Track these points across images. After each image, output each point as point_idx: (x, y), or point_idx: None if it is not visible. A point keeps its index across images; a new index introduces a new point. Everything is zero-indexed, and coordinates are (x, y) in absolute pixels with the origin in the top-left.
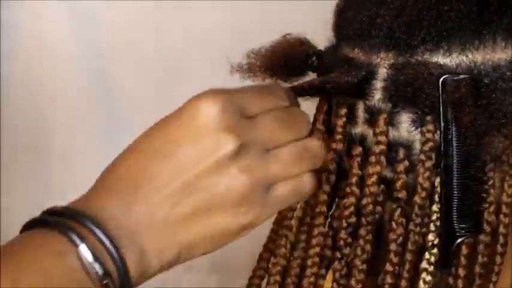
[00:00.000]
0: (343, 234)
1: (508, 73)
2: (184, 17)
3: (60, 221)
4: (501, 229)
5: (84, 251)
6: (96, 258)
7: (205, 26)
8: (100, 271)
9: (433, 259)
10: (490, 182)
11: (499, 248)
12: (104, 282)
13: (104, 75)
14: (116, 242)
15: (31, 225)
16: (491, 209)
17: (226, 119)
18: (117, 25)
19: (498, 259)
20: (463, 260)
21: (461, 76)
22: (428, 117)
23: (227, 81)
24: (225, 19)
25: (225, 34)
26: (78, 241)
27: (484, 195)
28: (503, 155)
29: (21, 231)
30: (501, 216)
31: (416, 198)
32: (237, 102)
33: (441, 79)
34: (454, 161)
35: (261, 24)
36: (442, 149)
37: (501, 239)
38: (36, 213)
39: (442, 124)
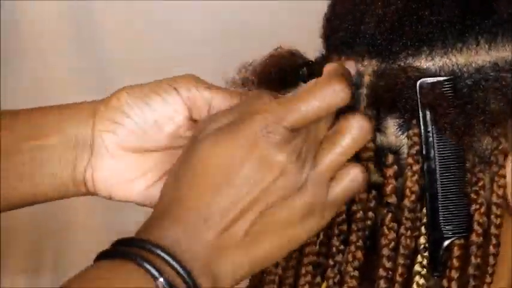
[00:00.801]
0: (335, 241)
1: (492, 74)
2: (184, 18)
3: (135, 253)
4: (493, 230)
5: (162, 285)
6: None
7: (205, 27)
8: None
9: (425, 262)
10: (480, 183)
11: (492, 249)
12: None
13: (104, 75)
14: (193, 274)
15: (103, 255)
16: (482, 210)
17: (279, 139)
18: (117, 25)
19: (491, 260)
20: (455, 262)
21: (438, 78)
22: (414, 121)
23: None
24: (225, 21)
25: (226, 36)
26: (157, 275)
27: (474, 196)
28: (492, 155)
29: (95, 261)
30: (492, 217)
31: (406, 202)
32: (284, 118)
33: (418, 82)
34: (436, 163)
35: (255, 30)
36: (423, 151)
37: (493, 240)
38: (37, 211)
39: (422, 127)
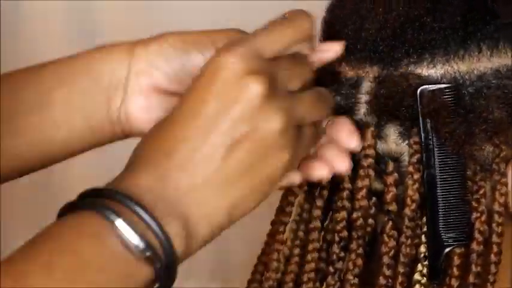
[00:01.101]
0: (335, 248)
1: (493, 81)
2: (186, 17)
3: (93, 201)
4: (494, 238)
5: (121, 226)
6: (135, 231)
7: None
8: (141, 245)
9: (425, 271)
10: (481, 191)
11: (493, 258)
12: (146, 255)
13: None
14: (156, 214)
15: (65, 211)
16: (483, 218)
17: (247, 63)
18: (116, 25)
19: (492, 268)
20: (455, 270)
21: (438, 86)
22: (415, 129)
23: None
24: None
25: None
26: (113, 217)
27: (475, 204)
28: (493, 163)
29: (58, 217)
30: (493, 225)
31: (407, 211)
32: (254, 46)
33: (418, 90)
34: (437, 171)
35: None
36: (423, 159)
37: (494, 248)
38: (37, 211)
39: (422, 135)
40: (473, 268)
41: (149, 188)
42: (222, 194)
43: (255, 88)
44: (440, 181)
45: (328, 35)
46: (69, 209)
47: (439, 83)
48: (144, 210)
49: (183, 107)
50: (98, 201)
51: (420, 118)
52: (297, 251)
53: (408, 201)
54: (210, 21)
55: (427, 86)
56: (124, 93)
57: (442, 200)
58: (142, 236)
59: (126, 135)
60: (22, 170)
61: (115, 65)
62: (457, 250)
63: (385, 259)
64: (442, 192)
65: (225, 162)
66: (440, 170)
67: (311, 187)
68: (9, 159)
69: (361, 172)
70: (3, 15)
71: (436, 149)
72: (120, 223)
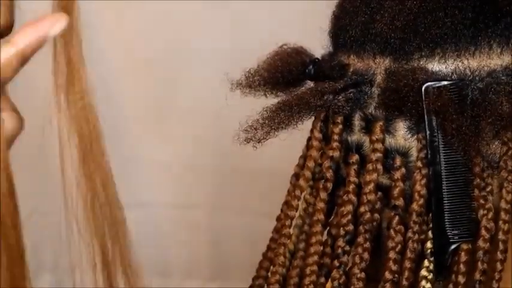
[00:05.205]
0: (340, 242)
1: (503, 77)
2: (186, 19)
3: None
4: (500, 236)
5: None
6: None
7: (206, 29)
8: None
9: (432, 266)
10: (488, 188)
11: (499, 255)
12: None
13: (103, 77)
14: None
15: None
16: (490, 215)
17: None
18: (115, 26)
19: (498, 266)
20: (462, 267)
21: (443, 83)
22: (423, 124)
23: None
24: (225, 22)
25: (227, 35)
26: None
27: (482, 201)
28: (501, 160)
29: None
30: (500, 222)
31: (414, 206)
32: None
33: (423, 87)
34: (442, 167)
35: (259, 28)
36: (428, 156)
37: (501, 246)
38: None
39: (428, 132)
40: (479, 265)
41: None
42: None
43: None
44: (446, 178)
45: (338, 27)
46: None
47: (447, 79)
48: None
49: None
50: None
51: (425, 115)
52: (302, 245)
53: (416, 196)
54: (211, 21)
55: (432, 83)
56: None
57: (448, 197)
58: None
59: None
60: None
61: None
62: (464, 246)
63: (392, 254)
64: (448, 188)
65: None
66: (446, 166)
67: (316, 180)
68: None
69: (369, 166)
70: None
71: (441, 146)
72: None
